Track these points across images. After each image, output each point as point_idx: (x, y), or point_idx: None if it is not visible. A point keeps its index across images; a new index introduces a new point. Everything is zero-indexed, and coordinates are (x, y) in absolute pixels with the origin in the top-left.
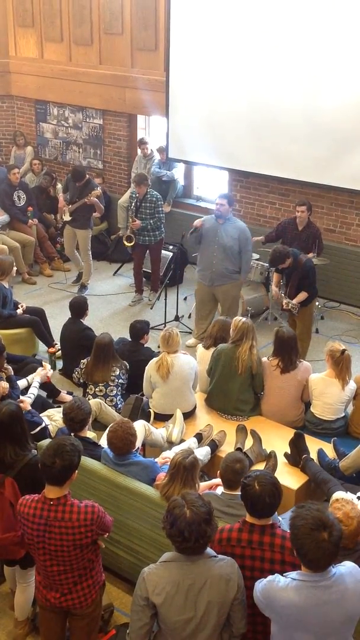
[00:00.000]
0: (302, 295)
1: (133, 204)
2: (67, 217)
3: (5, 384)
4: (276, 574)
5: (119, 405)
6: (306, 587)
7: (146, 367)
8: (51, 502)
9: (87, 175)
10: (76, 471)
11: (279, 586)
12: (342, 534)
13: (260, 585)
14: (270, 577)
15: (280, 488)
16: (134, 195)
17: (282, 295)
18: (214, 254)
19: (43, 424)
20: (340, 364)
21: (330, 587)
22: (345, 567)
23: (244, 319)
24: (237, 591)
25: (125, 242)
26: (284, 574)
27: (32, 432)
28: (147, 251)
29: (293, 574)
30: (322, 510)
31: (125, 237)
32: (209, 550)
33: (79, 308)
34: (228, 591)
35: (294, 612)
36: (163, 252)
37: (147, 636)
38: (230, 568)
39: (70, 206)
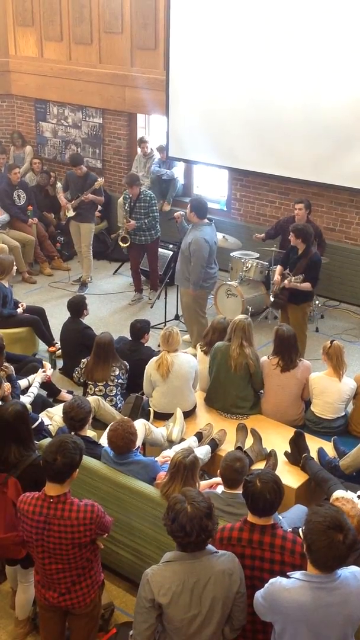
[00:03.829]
0: (306, 285)
1: (127, 205)
2: (70, 214)
3: (8, 385)
4: (277, 577)
5: (119, 405)
6: (311, 587)
7: (146, 366)
8: (51, 500)
9: (85, 168)
10: (77, 470)
11: (283, 586)
12: (355, 539)
13: (261, 590)
14: (271, 580)
15: (282, 486)
16: (127, 196)
17: (287, 273)
18: (179, 253)
19: (40, 420)
20: (333, 356)
21: (334, 590)
22: (350, 570)
23: (241, 317)
24: (240, 584)
25: (121, 243)
26: (287, 574)
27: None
28: (144, 251)
29: (297, 574)
30: (341, 512)
31: (120, 238)
32: (210, 546)
33: (76, 307)
34: (231, 585)
35: (298, 611)
36: (163, 251)
37: (152, 637)
38: (231, 562)
39: (72, 202)
